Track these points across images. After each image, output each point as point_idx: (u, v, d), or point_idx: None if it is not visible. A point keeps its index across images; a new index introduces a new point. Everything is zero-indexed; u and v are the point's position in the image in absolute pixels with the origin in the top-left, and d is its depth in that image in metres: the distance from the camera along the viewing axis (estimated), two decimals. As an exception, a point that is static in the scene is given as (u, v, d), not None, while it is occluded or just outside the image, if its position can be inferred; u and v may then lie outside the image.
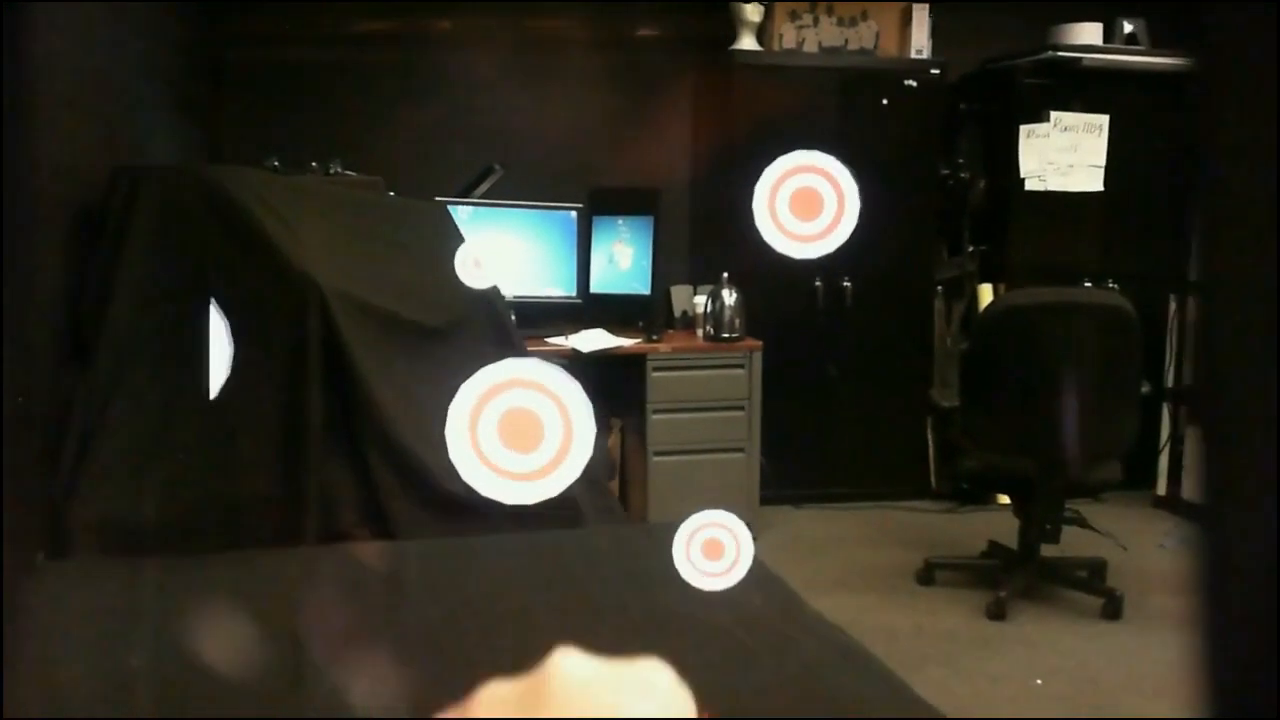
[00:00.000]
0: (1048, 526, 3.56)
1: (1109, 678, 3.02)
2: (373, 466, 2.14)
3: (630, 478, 4.25)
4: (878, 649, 1.40)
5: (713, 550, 0.73)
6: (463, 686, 0.39)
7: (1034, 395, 3.33)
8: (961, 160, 4.84)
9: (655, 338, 4.16)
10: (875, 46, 4.75)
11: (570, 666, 0.38)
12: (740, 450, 4.15)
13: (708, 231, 4.69)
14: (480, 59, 4.54)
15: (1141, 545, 4.00)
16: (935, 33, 4.72)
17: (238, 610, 1.43)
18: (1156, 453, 4.66)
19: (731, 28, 4.58)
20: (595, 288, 4.48)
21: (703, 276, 4.50)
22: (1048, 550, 3.61)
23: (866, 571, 3.89)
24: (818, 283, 4.56)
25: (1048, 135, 4.65)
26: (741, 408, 4.15)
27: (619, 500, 4.10)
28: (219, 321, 0.86)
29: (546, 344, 3.98)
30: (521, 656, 0.41)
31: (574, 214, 4.41)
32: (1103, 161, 4.69)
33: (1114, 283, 4.47)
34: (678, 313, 4.57)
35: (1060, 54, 4.59)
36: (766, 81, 4.51)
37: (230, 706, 1.19)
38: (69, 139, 2.30)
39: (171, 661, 1.28)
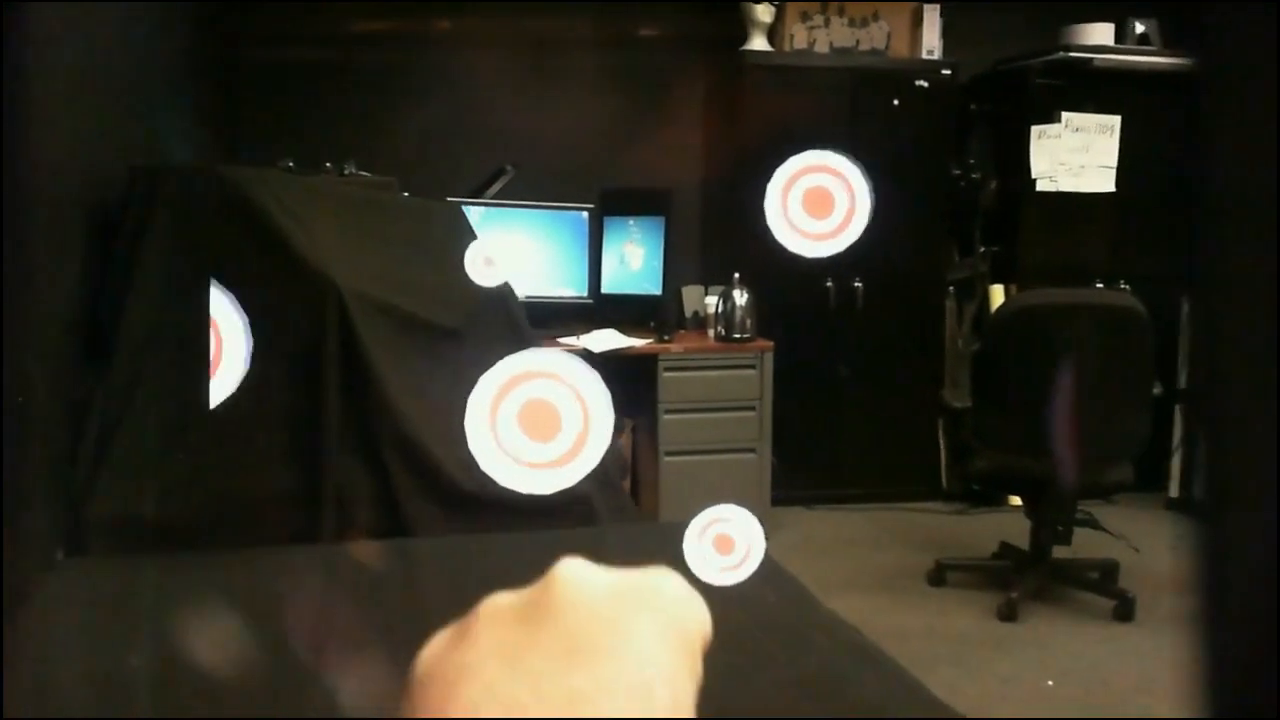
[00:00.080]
0: (1059, 528, 3.55)
1: (1120, 679, 3.01)
2: (389, 465, 2.15)
3: (642, 478, 4.26)
4: (889, 650, 1.40)
5: (724, 545, 0.74)
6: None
7: (1046, 396, 3.33)
8: (973, 161, 4.83)
9: (667, 338, 4.17)
10: (886, 47, 4.74)
11: (574, 576, 0.37)
12: (752, 450, 4.15)
13: (719, 232, 4.69)
14: (493, 60, 4.56)
15: (1154, 547, 3.99)
16: (946, 33, 4.71)
17: (251, 608, 1.45)
18: (1169, 454, 4.65)
19: (742, 28, 4.59)
20: (607, 288, 4.49)
21: (714, 277, 4.50)
22: (1059, 552, 3.60)
23: (878, 572, 3.88)
24: (829, 283, 4.56)
25: (1059, 136, 4.63)
26: (753, 408, 4.15)
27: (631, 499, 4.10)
28: (237, 321, 0.87)
29: (558, 344, 3.99)
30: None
31: (585, 214, 4.42)
32: (1114, 162, 4.68)
33: (1126, 284, 4.46)
34: (689, 313, 4.57)
35: (1072, 54, 4.58)
36: (777, 82, 4.52)
37: (240, 705, 1.20)
38: (86, 140, 2.32)
39: (185, 660, 1.29)
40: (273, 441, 2.13)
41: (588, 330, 4.16)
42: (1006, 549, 3.83)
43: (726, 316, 4.19)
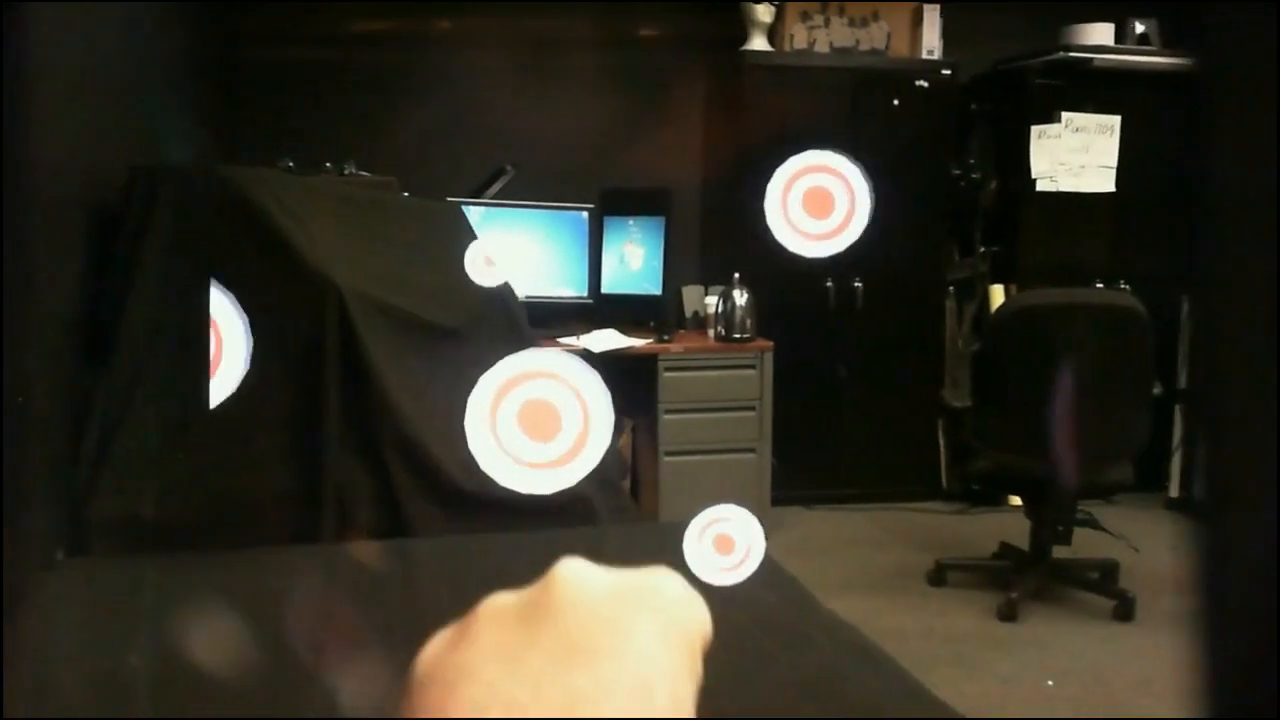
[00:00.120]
0: (1059, 528, 3.55)
1: (1120, 679, 3.01)
2: (389, 465, 2.15)
3: (641, 478, 4.26)
4: (889, 650, 1.40)
5: (724, 545, 0.74)
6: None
7: (1046, 396, 3.32)
8: (973, 161, 4.83)
9: (666, 338, 4.17)
10: (886, 47, 4.74)
11: (574, 576, 0.37)
12: (751, 450, 4.15)
13: (719, 232, 4.69)
14: (492, 60, 4.56)
15: (1153, 547, 3.99)
16: (946, 33, 4.71)
17: (252, 608, 1.45)
18: (1169, 454, 4.65)
19: (742, 28, 4.59)
20: (607, 288, 4.49)
21: (714, 277, 4.50)
22: (1059, 552, 3.60)
23: (877, 572, 3.89)
24: (829, 283, 4.56)
25: (1059, 136, 4.64)
26: (753, 408, 4.15)
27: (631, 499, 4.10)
28: (237, 321, 0.87)
29: (558, 344, 3.99)
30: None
31: (585, 214, 4.42)
32: (1114, 162, 4.68)
33: (1125, 283, 4.46)
34: (689, 313, 4.57)
35: (1072, 54, 4.58)
36: (777, 82, 4.52)
37: (240, 705, 1.20)
38: (86, 140, 2.32)
39: (185, 660, 1.29)
40: (273, 441, 2.13)
41: (588, 330, 4.16)
42: (1006, 549, 3.83)
43: (726, 316, 4.19)
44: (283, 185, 2.39)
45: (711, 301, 4.35)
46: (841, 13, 4.71)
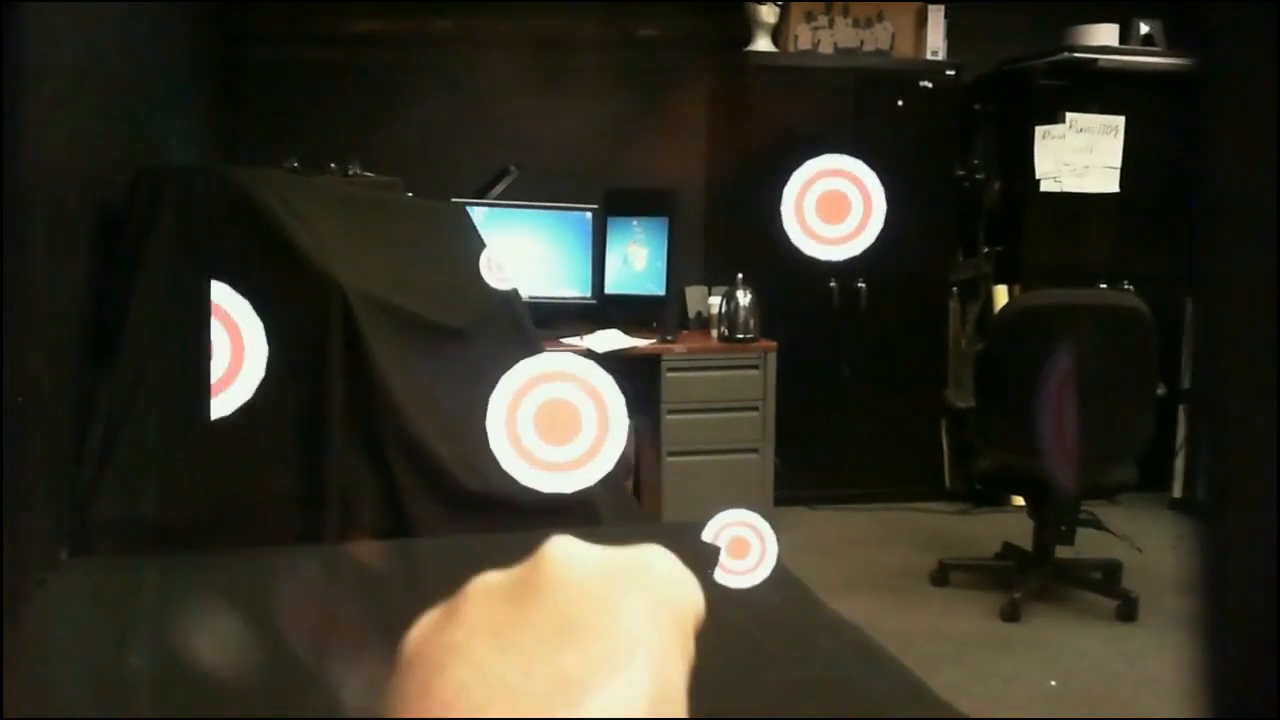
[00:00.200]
0: (1062, 528, 3.55)
1: (1123, 679, 3.01)
2: (393, 465, 2.15)
3: (644, 478, 4.26)
4: (892, 650, 1.40)
5: (738, 549, 0.74)
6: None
7: (1048, 397, 3.32)
8: (977, 161, 4.83)
9: (670, 338, 4.17)
10: (891, 48, 4.74)
11: (563, 554, 0.36)
12: (755, 451, 4.15)
13: (723, 232, 4.69)
14: (496, 60, 4.56)
15: (1157, 547, 3.98)
16: (951, 34, 4.71)
17: (254, 609, 1.45)
18: (1172, 455, 4.64)
19: (747, 29, 4.59)
20: (610, 288, 4.49)
21: (717, 277, 4.50)
22: (1062, 552, 3.60)
23: (881, 572, 3.88)
24: (832, 283, 4.56)
25: (1063, 136, 4.63)
26: (756, 408, 4.15)
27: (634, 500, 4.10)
28: (256, 325, 0.87)
29: (561, 345, 3.99)
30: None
31: (589, 215, 4.42)
32: (1118, 163, 4.68)
33: (1129, 284, 4.45)
34: (692, 313, 4.57)
35: (1076, 55, 4.57)
36: (781, 82, 4.52)
37: (242, 705, 1.20)
38: (86, 140, 2.32)
39: (188, 660, 1.30)
40: (276, 441, 2.13)
41: (591, 331, 4.16)
42: (1010, 549, 3.83)
43: (730, 317, 4.19)
44: (287, 185, 2.39)
45: (715, 302, 4.34)
46: (846, 13, 4.71)
